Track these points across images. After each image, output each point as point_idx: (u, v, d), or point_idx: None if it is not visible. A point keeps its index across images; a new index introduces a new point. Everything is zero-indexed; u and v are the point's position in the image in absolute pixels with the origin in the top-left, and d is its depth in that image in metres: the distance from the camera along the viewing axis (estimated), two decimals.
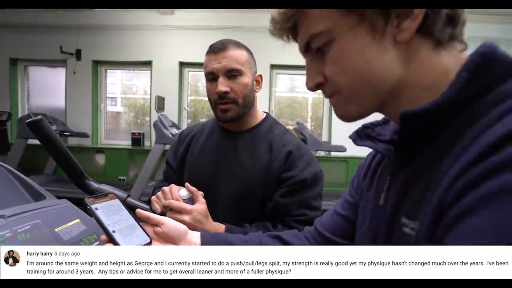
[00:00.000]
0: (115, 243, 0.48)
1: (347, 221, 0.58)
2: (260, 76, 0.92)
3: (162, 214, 0.75)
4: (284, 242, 0.63)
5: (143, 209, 0.77)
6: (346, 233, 0.58)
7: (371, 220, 0.46)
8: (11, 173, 0.64)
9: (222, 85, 0.83)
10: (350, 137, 0.49)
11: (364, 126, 0.48)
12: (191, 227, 0.69)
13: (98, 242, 0.55)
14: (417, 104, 0.36)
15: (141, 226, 0.55)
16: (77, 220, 0.57)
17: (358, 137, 0.48)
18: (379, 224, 0.43)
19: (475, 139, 0.30)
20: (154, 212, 0.77)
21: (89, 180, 0.78)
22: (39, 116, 0.71)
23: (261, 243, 0.63)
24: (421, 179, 0.36)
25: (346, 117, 0.42)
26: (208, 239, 0.60)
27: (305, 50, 0.41)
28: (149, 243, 0.53)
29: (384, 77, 0.37)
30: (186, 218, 0.72)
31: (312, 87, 0.42)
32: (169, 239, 0.57)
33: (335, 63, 0.38)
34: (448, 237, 0.29)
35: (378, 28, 0.35)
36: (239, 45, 0.87)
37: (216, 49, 0.85)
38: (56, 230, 0.53)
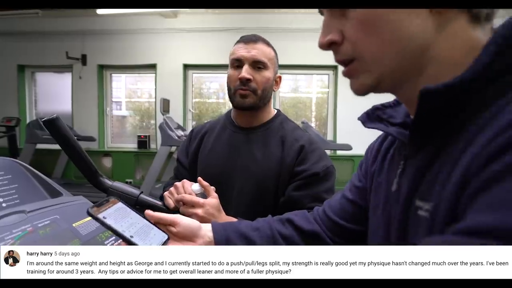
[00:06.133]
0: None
1: (355, 205, 0.57)
2: (280, 77, 0.96)
3: (175, 208, 0.77)
4: (295, 226, 0.62)
5: (156, 206, 0.79)
6: (352, 217, 0.57)
7: (384, 207, 0.45)
8: (29, 171, 0.65)
9: (246, 72, 0.86)
10: (359, 118, 0.46)
11: (375, 108, 0.45)
12: (204, 220, 0.70)
13: (114, 237, 0.56)
14: (438, 82, 0.33)
15: (154, 224, 0.54)
16: None
17: (368, 119, 0.45)
18: (393, 210, 0.41)
19: (497, 116, 0.29)
20: (167, 207, 0.78)
21: (103, 178, 0.80)
22: (55, 115, 0.73)
23: (271, 228, 0.62)
24: (437, 161, 0.34)
25: (360, 88, 0.38)
26: (220, 229, 0.60)
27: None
28: (168, 239, 0.53)
29: (412, 43, 0.33)
30: (199, 211, 0.73)
31: (324, 44, 0.37)
32: (184, 237, 0.56)
33: (359, 20, 0.34)
34: (471, 210, 0.27)
35: None
36: (268, 43, 0.91)
37: (247, 40, 0.89)
38: (73, 225, 0.54)
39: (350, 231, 0.58)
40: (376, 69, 0.36)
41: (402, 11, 0.33)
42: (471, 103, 0.32)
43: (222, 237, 0.59)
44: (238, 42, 0.90)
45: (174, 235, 0.56)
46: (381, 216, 0.45)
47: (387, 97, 0.44)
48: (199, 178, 0.78)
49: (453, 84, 0.31)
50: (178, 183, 0.79)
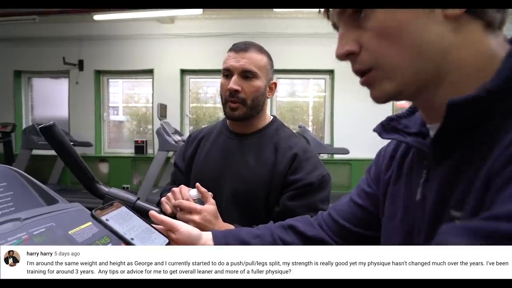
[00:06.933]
0: None
1: (364, 210, 0.57)
2: (275, 83, 0.95)
3: (172, 214, 0.75)
4: (297, 232, 0.62)
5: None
6: (361, 221, 0.57)
7: (404, 216, 0.44)
8: (24, 178, 0.65)
9: (234, 83, 0.85)
10: (374, 130, 0.46)
11: (390, 119, 0.46)
12: (201, 227, 0.69)
13: (111, 245, 0.56)
14: (460, 89, 0.34)
15: (155, 229, 0.54)
16: (89, 223, 0.58)
17: (384, 130, 0.45)
18: (416, 219, 0.41)
19: None
20: (164, 213, 0.77)
21: (99, 184, 0.80)
22: (51, 122, 0.73)
23: (272, 235, 0.61)
24: (467, 169, 0.34)
25: (381, 96, 0.38)
26: (221, 237, 0.60)
27: (341, 11, 0.38)
28: (169, 243, 0.53)
29: (431, 51, 0.34)
30: (196, 217, 0.72)
31: (341, 55, 0.38)
32: (183, 244, 0.55)
33: (377, 30, 0.35)
34: (498, 200, 0.27)
35: None
36: (261, 50, 0.90)
37: (238, 48, 0.87)
38: (69, 232, 0.54)
39: (357, 235, 0.57)
40: (396, 77, 0.36)
41: (419, 18, 0.34)
42: (496, 111, 0.32)
43: (222, 245, 0.58)
44: (229, 50, 0.89)
45: (173, 241, 0.56)
46: (399, 223, 0.45)
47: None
48: (197, 184, 0.77)
49: (479, 95, 0.32)
50: (175, 189, 0.78)
